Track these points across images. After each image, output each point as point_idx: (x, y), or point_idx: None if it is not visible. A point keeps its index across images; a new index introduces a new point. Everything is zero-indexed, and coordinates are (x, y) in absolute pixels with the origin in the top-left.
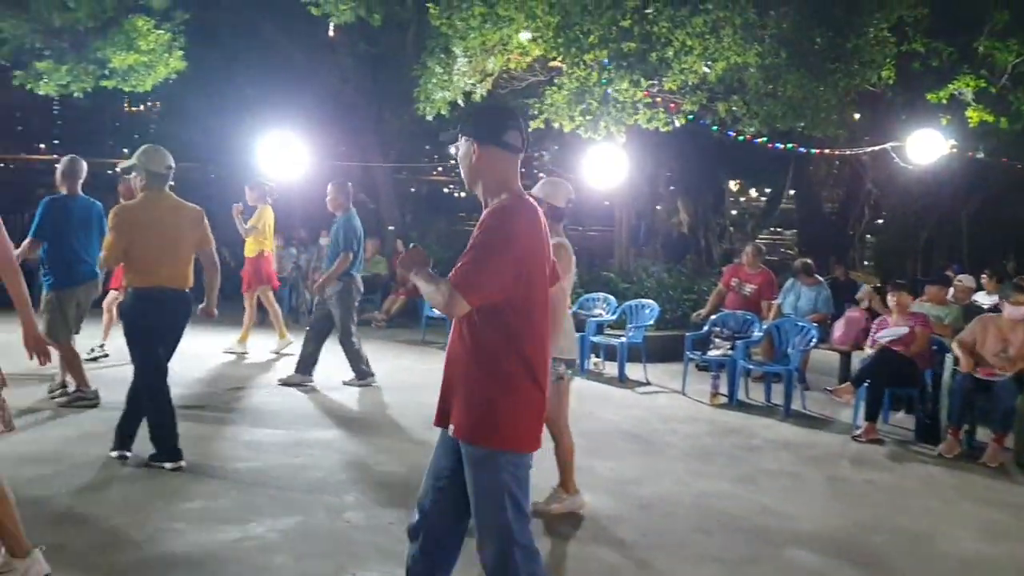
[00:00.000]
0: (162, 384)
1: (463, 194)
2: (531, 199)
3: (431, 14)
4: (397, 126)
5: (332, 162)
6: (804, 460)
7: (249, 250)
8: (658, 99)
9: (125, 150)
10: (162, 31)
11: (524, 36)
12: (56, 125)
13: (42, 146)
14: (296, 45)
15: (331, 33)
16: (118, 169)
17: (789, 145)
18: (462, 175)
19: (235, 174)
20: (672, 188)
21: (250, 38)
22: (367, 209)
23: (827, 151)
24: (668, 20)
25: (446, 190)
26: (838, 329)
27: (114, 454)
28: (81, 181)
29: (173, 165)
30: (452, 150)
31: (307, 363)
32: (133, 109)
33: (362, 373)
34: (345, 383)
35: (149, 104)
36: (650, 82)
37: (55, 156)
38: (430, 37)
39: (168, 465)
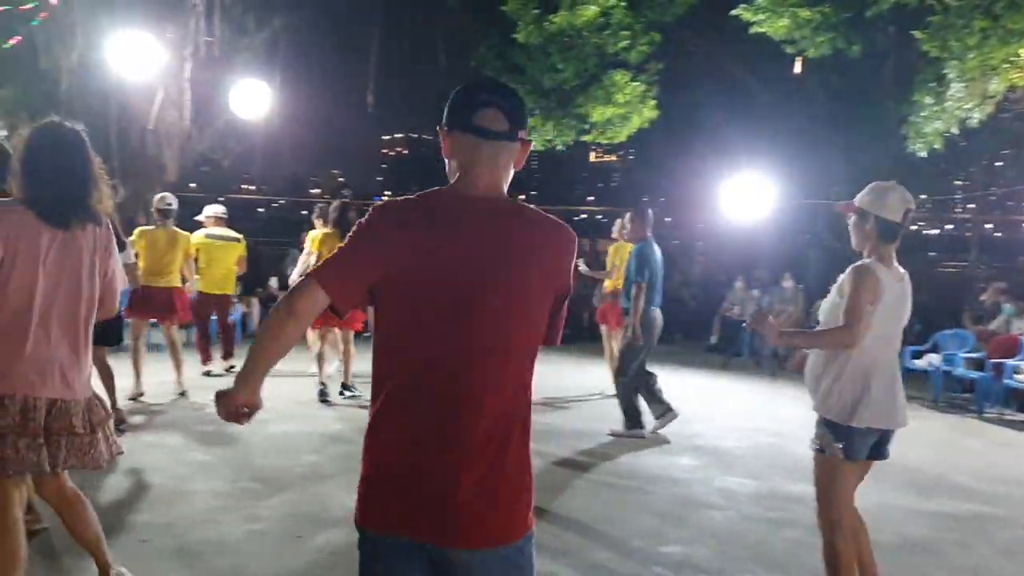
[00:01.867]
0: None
1: (934, 231)
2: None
3: (920, 38)
4: (868, 161)
5: (798, 200)
6: None
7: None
8: None
9: (590, 197)
10: (637, 83)
11: None
12: (535, 177)
13: (522, 197)
14: (762, 84)
15: (797, 70)
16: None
17: None
18: None
19: (693, 215)
20: None
21: (717, 81)
22: (833, 249)
23: None
24: None
25: (914, 228)
26: None
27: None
28: None
29: None
30: None
31: (655, 409)
32: (605, 159)
33: (631, 423)
34: (610, 434)
35: (614, 154)
36: None
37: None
38: (915, 67)
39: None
